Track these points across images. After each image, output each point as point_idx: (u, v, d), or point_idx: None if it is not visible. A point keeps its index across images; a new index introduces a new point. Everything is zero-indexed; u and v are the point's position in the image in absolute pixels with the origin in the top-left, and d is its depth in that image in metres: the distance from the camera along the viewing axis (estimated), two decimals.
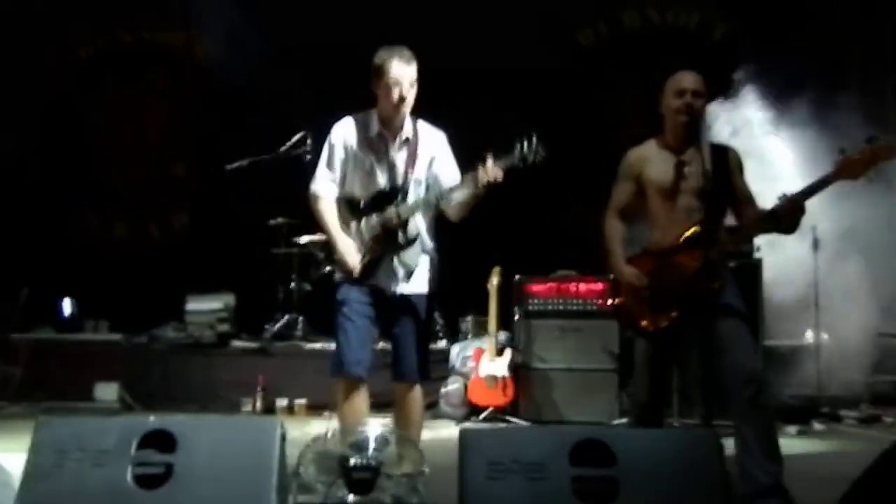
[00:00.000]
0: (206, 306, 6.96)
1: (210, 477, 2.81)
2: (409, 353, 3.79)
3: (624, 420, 5.57)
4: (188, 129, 8.37)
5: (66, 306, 7.55)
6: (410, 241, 3.75)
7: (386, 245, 3.73)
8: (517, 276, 6.19)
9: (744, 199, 3.60)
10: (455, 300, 6.11)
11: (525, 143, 3.46)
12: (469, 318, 6.87)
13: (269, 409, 6.38)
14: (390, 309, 3.78)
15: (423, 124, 3.82)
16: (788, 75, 6.66)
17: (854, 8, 6.84)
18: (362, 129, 3.78)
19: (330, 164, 3.81)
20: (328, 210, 3.81)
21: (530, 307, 6.09)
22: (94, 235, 8.55)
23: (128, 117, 8.54)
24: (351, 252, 3.73)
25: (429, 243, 3.86)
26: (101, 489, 2.74)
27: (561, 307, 6.03)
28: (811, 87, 6.51)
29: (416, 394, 3.85)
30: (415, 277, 3.79)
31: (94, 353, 6.95)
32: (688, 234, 3.54)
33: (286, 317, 7.13)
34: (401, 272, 3.76)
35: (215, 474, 2.82)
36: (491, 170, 3.43)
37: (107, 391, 6.62)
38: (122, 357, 6.90)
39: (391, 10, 7.19)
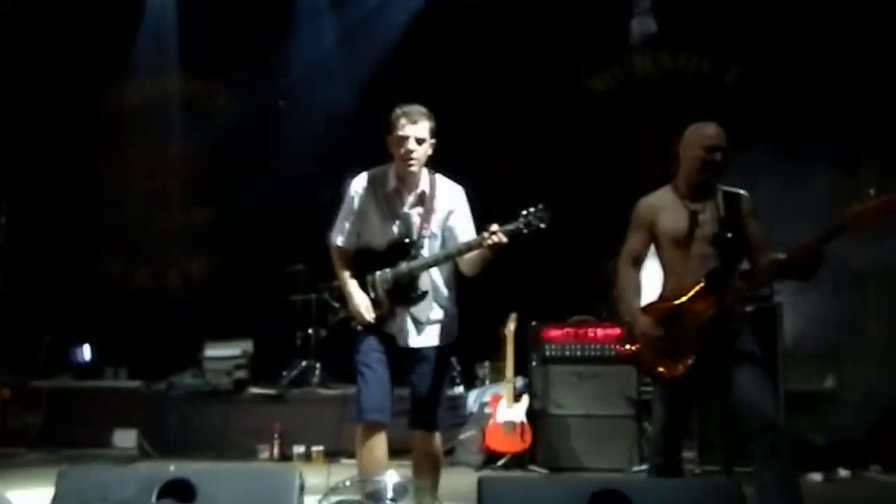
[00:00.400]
0: (223, 353, 6.99)
1: None
2: (425, 401, 3.83)
3: (643, 467, 5.52)
4: (208, 176, 8.44)
5: (86, 353, 7.62)
6: (421, 296, 3.80)
7: (398, 299, 3.80)
8: (533, 322, 6.19)
9: (758, 244, 3.60)
10: (471, 346, 6.10)
11: (531, 212, 3.58)
12: (485, 364, 6.86)
13: (286, 457, 6.39)
14: (404, 359, 3.84)
15: (441, 179, 3.91)
16: (801, 118, 6.66)
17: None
18: (379, 183, 3.89)
19: (346, 217, 3.92)
20: (342, 261, 3.92)
21: (547, 353, 6.07)
22: (113, 282, 8.61)
23: (148, 164, 8.63)
24: (363, 305, 3.80)
25: (444, 296, 3.90)
26: None
27: (578, 353, 6.01)
28: (825, 130, 6.52)
29: (434, 441, 3.87)
30: (427, 331, 3.84)
31: (112, 400, 7.01)
32: (696, 289, 3.55)
33: (303, 363, 7.14)
34: (412, 326, 3.83)
35: None
36: (496, 236, 3.54)
37: (125, 438, 6.67)
38: (140, 404, 6.95)
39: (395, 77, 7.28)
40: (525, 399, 6.02)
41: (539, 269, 7.12)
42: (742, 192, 3.72)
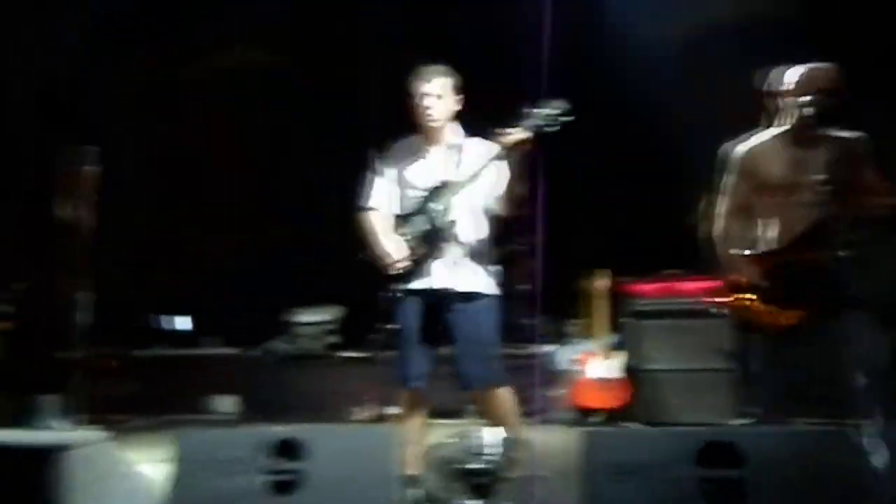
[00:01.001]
0: (315, 318, 7.11)
1: (337, 483, 2.91)
2: (470, 358, 3.72)
3: (740, 421, 5.44)
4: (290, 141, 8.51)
5: (183, 323, 7.85)
6: (456, 242, 3.76)
7: (431, 246, 3.75)
8: (622, 277, 6.13)
9: (873, 190, 3.46)
10: (557, 303, 6.08)
11: (550, 106, 3.50)
12: (573, 322, 6.83)
13: (381, 418, 6.48)
14: (447, 316, 3.77)
15: (471, 138, 3.87)
16: None
17: None
18: (407, 147, 3.91)
19: (376, 182, 3.92)
20: (374, 221, 3.89)
21: (638, 308, 6.01)
22: (208, 253, 8.78)
23: (232, 134, 8.72)
24: (394, 248, 3.77)
25: (481, 246, 3.84)
26: (238, 496, 2.85)
27: (671, 307, 5.93)
28: None
29: (497, 397, 3.74)
30: (466, 276, 3.77)
31: (211, 367, 7.20)
32: (803, 238, 3.44)
33: (392, 326, 7.20)
34: (450, 272, 3.76)
35: (342, 481, 2.92)
36: (515, 131, 3.50)
37: (224, 403, 6.85)
38: (237, 370, 7.12)
39: None
40: (618, 355, 5.99)
41: (625, 223, 7.06)
42: (856, 134, 3.54)
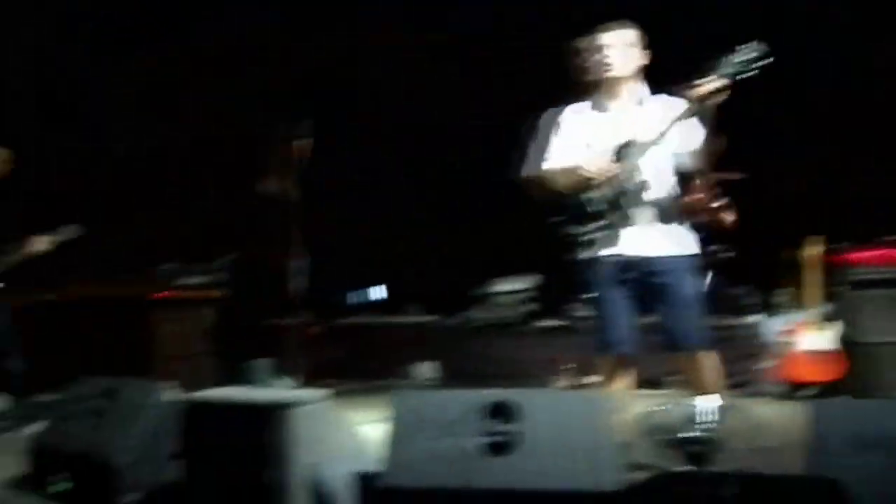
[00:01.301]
0: (513, 286, 7.16)
1: (553, 447, 2.89)
2: (675, 320, 3.58)
3: None
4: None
5: (381, 292, 8.12)
6: (647, 203, 3.59)
7: (620, 210, 3.58)
8: (835, 245, 5.77)
9: None
10: (766, 273, 5.81)
11: (746, 50, 3.26)
12: (782, 291, 6.51)
13: (579, 388, 6.44)
14: (645, 282, 3.62)
15: (657, 95, 3.68)
16: None
17: None
18: (582, 107, 3.76)
19: (548, 144, 3.76)
20: (550, 181, 3.72)
21: (856, 276, 5.64)
22: (401, 224, 9.01)
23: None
24: (594, 159, 3.58)
25: (673, 205, 3.65)
26: (455, 456, 2.91)
27: (892, 275, 5.54)
28: None
29: (701, 361, 3.58)
30: (659, 241, 3.61)
31: (411, 335, 7.42)
32: None
33: (589, 294, 7.14)
34: (640, 237, 3.60)
35: (557, 445, 2.89)
36: (708, 80, 3.27)
37: (425, 370, 7.03)
38: (435, 338, 7.29)
39: None
40: (831, 326, 5.66)
41: (839, 186, 6.65)
42: None
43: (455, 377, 6.89)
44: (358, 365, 7.42)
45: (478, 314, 7.19)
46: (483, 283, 7.35)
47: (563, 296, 7.31)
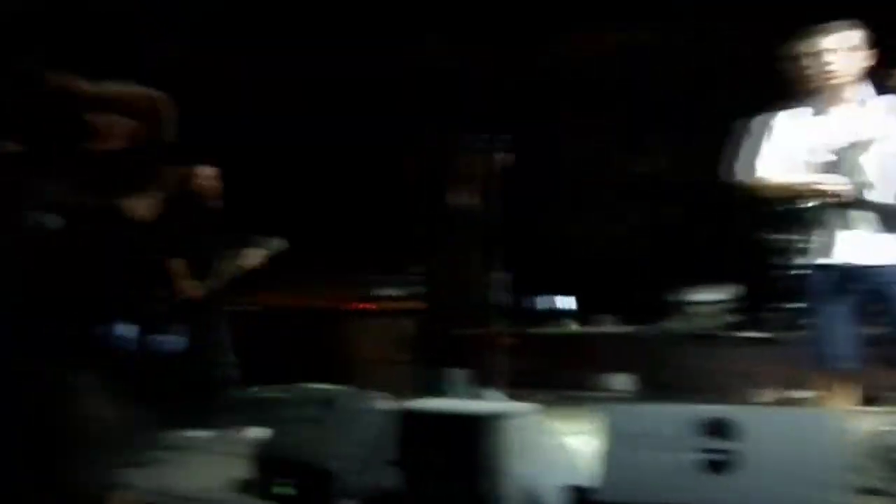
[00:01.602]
0: (712, 297, 6.95)
1: (777, 468, 2.77)
2: None
3: None
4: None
5: (567, 302, 8.06)
6: (868, 209, 3.37)
7: (840, 216, 3.40)
8: None
9: None
10: None
11: None
12: None
13: (784, 402, 6.15)
14: (867, 292, 3.41)
15: (885, 96, 3.44)
16: None
17: None
18: (804, 113, 3.56)
19: (760, 148, 3.58)
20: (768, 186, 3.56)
21: None
22: (589, 235, 8.91)
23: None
24: (829, 176, 3.40)
25: (894, 210, 3.39)
26: (672, 472, 2.84)
27: None
28: None
29: None
30: (883, 246, 3.38)
31: (605, 345, 7.32)
32: None
33: (796, 305, 6.82)
34: (861, 244, 3.40)
35: (782, 466, 2.77)
36: None
37: (621, 381, 6.93)
38: (631, 349, 7.17)
39: None
40: None
41: None
42: None
43: (651, 388, 6.75)
44: (552, 376, 7.40)
45: (674, 324, 7.02)
46: (680, 292, 7.16)
47: (765, 306, 7.02)
